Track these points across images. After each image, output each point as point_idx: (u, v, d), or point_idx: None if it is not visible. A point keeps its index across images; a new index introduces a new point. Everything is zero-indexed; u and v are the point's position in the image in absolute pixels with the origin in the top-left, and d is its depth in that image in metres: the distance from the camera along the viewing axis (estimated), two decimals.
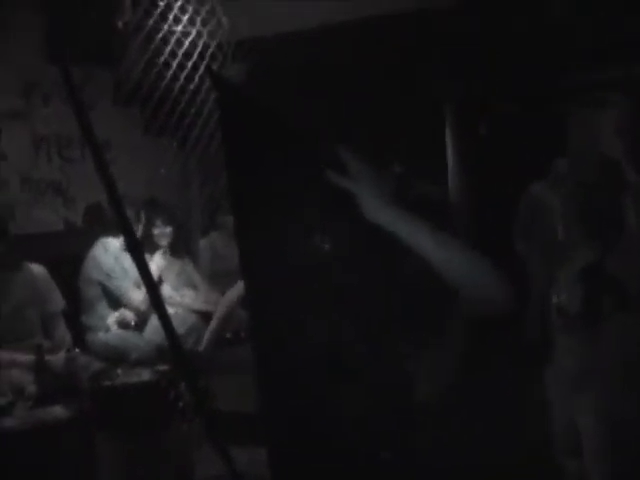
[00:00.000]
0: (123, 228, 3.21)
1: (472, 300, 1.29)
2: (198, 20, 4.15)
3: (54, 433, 3.29)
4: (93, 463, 3.30)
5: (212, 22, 4.20)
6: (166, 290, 4.79)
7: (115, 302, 4.64)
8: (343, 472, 1.39)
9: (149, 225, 4.80)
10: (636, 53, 5.13)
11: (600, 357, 2.52)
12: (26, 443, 3.20)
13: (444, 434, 1.49)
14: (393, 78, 5.95)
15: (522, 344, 5.59)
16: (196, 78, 4.20)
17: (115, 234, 4.55)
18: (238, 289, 4.53)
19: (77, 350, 3.98)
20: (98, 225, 4.65)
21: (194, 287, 5.10)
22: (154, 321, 4.31)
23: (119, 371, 3.56)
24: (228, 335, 4.56)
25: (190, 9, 4.12)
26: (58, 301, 4.08)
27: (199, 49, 4.19)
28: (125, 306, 4.63)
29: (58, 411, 3.38)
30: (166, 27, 4.05)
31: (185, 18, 4.10)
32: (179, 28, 4.11)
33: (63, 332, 4.07)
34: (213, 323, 4.64)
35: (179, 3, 4.08)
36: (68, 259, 4.61)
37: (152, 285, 3.25)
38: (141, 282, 3.78)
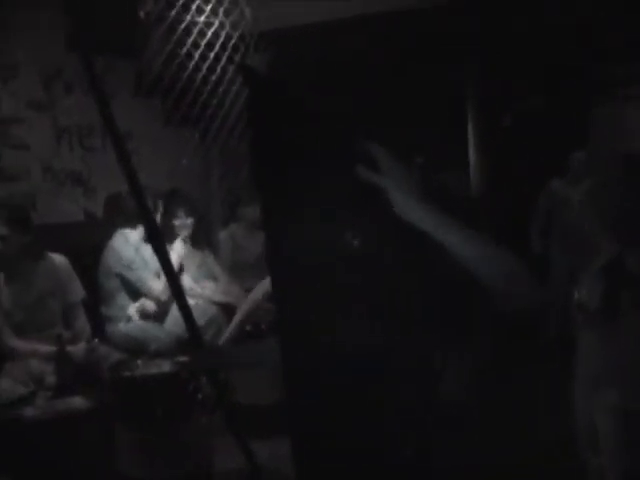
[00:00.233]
0: (144, 218, 3.21)
1: (505, 295, 1.28)
2: (221, 11, 4.13)
3: (74, 423, 3.29)
4: (112, 454, 3.31)
5: (235, 13, 4.18)
6: (187, 281, 4.79)
7: (135, 293, 4.64)
8: (366, 467, 1.38)
9: (168, 215, 4.80)
10: None
11: (619, 353, 2.50)
12: (46, 433, 3.21)
13: (468, 432, 1.48)
14: (415, 70, 5.93)
15: (544, 341, 5.58)
16: (218, 69, 4.18)
17: (135, 225, 4.55)
18: (264, 286, 4.51)
19: (97, 341, 4.00)
20: (118, 216, 4.64)
21: (214, 279, 5.10)
22: (174, 312, 4.30)
23: (139, 362, 3.56)
24: (248, 328, 4.55)
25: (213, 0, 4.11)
26: (79, 291, 4.08)
27: (221, 40, 4.17)
28: (145, 296, 4.64)
29: (78, 402, 3.38)
30: (189, 18, 4.04)
31: (208, 9, 4.09)
32: (202, 19, 4.09)
33: (83, 323, 4.07)
34: (236, 318, 4.63)
35: None
36: (88, 250, 4.61)
37: (172, 274, 3.25)
38: (161, 272, 3.77)
